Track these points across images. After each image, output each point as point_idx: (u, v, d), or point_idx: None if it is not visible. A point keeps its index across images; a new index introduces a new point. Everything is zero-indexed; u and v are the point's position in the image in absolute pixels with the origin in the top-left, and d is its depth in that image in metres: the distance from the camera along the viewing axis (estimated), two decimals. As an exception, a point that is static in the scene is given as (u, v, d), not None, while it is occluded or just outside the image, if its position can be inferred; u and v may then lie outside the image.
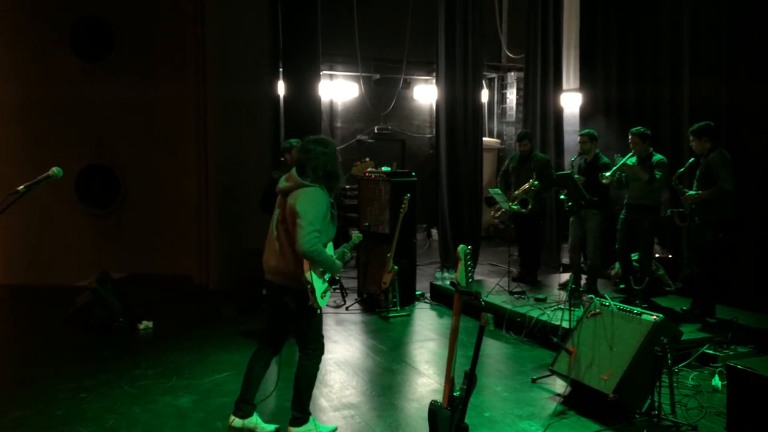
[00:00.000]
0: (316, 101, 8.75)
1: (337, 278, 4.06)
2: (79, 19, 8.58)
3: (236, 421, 4.04)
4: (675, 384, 4.44)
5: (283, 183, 3.96)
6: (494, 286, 7.44)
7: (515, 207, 7.44)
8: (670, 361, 4.21)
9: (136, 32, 8.69)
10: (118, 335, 6.31)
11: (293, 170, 3.91)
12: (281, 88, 8.73)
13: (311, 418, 4.06)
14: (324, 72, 11.39)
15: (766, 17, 6.60)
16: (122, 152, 8.77)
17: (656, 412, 4.21)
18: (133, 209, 8.82)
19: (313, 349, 4.03)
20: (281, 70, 8.70)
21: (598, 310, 4.85)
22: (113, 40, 8.63)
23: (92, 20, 8.59)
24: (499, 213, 7.87)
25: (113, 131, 8.73)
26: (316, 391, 4.82)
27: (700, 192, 5.86)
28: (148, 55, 8.71)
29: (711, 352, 5.28)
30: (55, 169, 3.31)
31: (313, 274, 3.78)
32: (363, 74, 12.52)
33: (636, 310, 4.69)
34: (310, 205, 3.75)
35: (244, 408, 4.06)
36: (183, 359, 5.62)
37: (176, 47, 8.73)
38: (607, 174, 6.50)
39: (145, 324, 6.57)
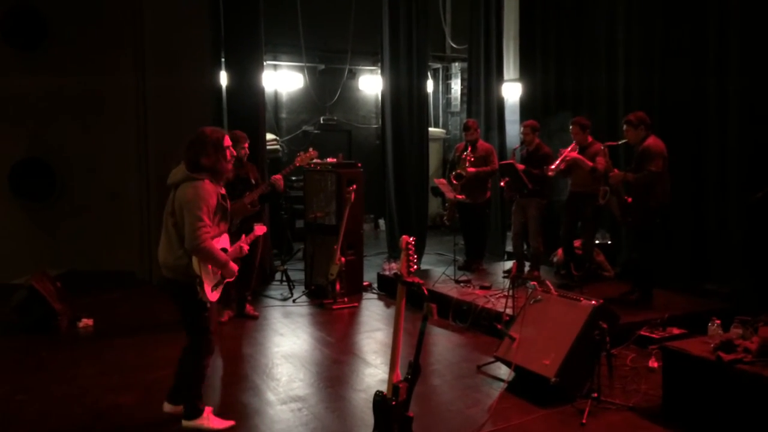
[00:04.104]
0: (260, 92, 8.57)
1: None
2: (9, 7, 8.23)
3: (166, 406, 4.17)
4: (613, 366, 4.59)
5: (172, 175, 3.88)
6: (440, 276, 7.52)
7: (461, 196, 7.53)
8: (608, 344, 4.34)
9: (71, 20, 8.40)
10: (57, 334, 6.12)
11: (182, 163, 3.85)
12: (223, 78, 8.55)
13: (204, 415, 4.02)
14: (268, 62, 11.22)
15: (696, 7, 6.82)
16: (58, 144, 8.47)
17: (596, 394, 4.34)
18: (71, 203, 8.54)
19: (197, 342, 3.96)
20: (223, 59, 8.51)
21: (539, 297, 4.97)
22: (46, 28, 8.31)
23: (24, 8, 8.26)
24: (447, 207, 7.97)
25: (48, 123, 8.42)
26: (263, 385, 4.82)
27: (627, 173, 6.00)
28: (84, 44, 8.42)
29: (648, 334, 5.47)
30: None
31: (202, 267, 3.75)
32: (307, 64, 12.40)
33: (576, 295, 4.83)
34: (199, 199, 3.71)
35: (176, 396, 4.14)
36: (125, 357, 5.49)
37: (114, 36, 8.47)
38: (552, 167, 6.64)
39: (85, 322, 6.39)
